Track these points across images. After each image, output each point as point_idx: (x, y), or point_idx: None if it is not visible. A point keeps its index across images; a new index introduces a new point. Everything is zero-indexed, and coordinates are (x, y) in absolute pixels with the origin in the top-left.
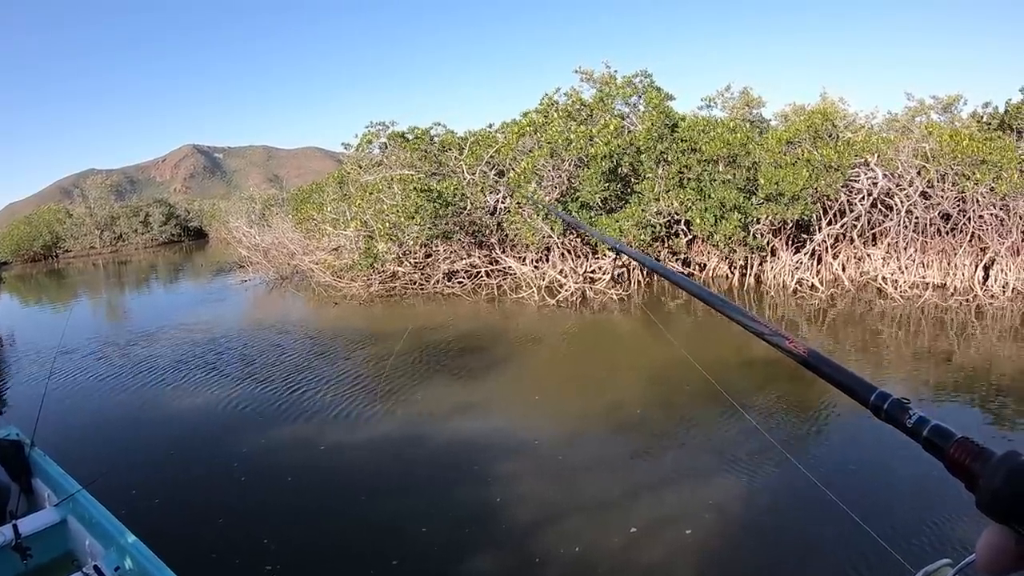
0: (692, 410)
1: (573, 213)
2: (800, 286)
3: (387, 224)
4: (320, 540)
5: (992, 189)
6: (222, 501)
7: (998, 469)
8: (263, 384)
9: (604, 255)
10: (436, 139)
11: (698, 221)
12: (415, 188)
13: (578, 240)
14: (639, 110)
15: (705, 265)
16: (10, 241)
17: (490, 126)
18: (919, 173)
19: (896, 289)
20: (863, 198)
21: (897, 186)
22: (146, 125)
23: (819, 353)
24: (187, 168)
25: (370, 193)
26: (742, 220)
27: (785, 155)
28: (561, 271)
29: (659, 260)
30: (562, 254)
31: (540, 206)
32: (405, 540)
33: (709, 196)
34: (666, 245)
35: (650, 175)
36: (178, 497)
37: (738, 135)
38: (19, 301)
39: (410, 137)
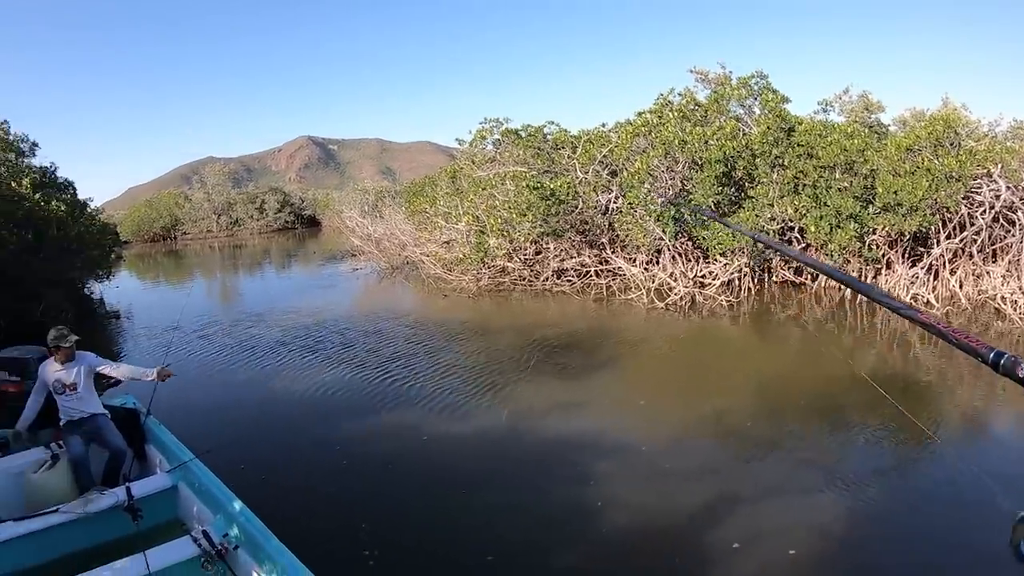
0: (801, 422)
1: (686, 216)
2: (915, 302)
3: (499, 220)
4: (416, 530)
5: None
6: (323, 484)
7: None
8: (368, 370)
9: (716, 260)
10: (549, 137)
11: (812, 229)
12: (527, 185)
13: (689, 243)
14: (754, 112)
15: (817, 275)
16: (131, 222)
17: (603, 125)
18: None
19: (1016, 310)
20: (984, 211)
21: (1021, 199)
22: (263, 117)
23: (945, 322)
24: (302, 158)
25: (482, 188)
26: (858, 230)
27: (904, 163)
28: (671, 274)
29: (771, 268)
30: (672, 257)
31: (658, 206)
32: (501, 536)
33: (824, 204)
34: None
35: (764, 180)
36: (282, 476)
37: (855, 141)
38: (138, 279)
39: (523, 135)
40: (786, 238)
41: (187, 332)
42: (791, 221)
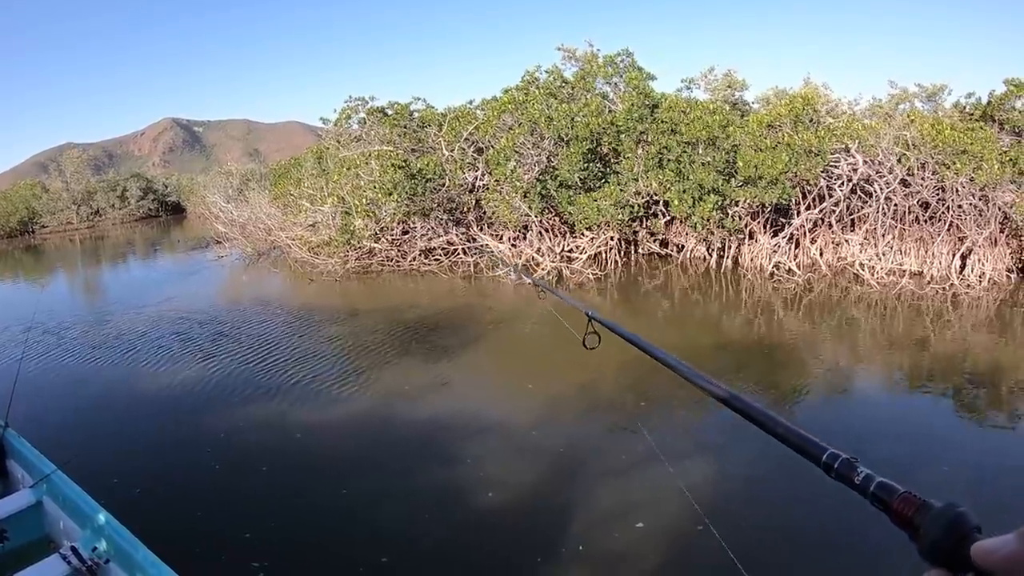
0: (666, 393)
1: (552, 191)
2: (777, 270)
3: (364, 200)
4: (302, 533)
5: (972, 179)
6: (199, 490)
7: (938, 520)
8: (237, 363)
9: (582, 234)
10: (416, 115)
11: (676, 202)
12: (393, 164)
13: (556, 218)
14: (620, 89)
15: (683, 247)
16: None
17: (470, 103)
18: (899, 161)
19: (873, 275)
20: (842, 184)
21: (877, 173)
22: (125, 98)
23: (773, 415)
24: (166, 142)
25: (348, 169)
26: (720, 202)
27: (765, 139)
28: (538, 250)
29: (637, 241)
30: (539, 233)
31: (524, 183)
32: (391, 532)
33: (687, 178)
34: (644, 225)
35: (629, 155)
36: (155, 484)
37: (718, 117)
38: None
39: (389, 112)
40: (651, 211)
41: (44, 331)
42: (656, 195)
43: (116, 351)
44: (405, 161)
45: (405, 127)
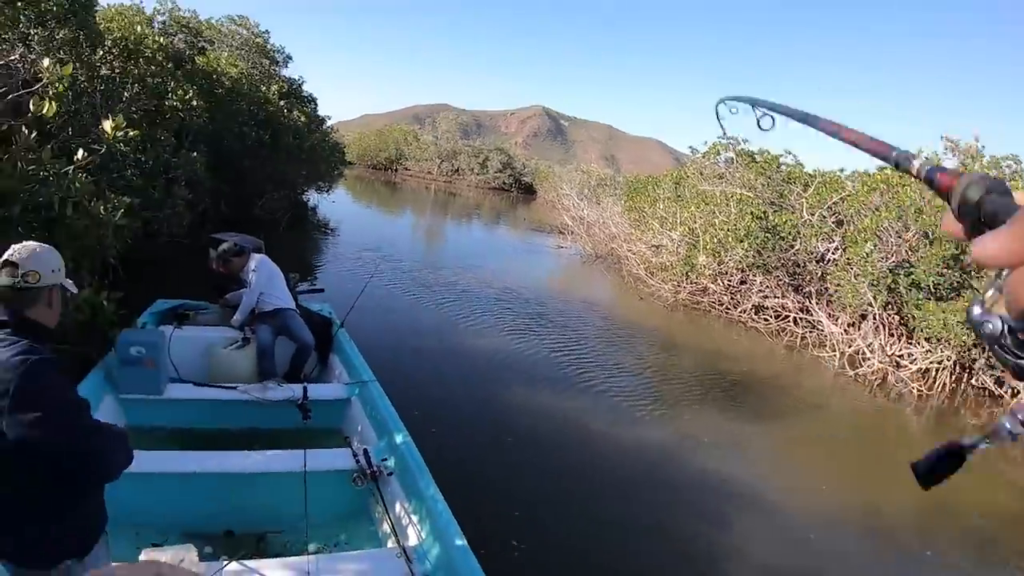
0: (956, 543)
1: (902, 288)
2: None
3: (714, 239)
4: (571, 540)
5: None
6: (483, 454)
7: (964, 183)
8: (550, 351)
9: (919, 343)
10: (783, 168)
11: None
12: (752, 212)
13: (896, 317)
14: None
15: (1018, 392)
16: (359, 146)
17: (841, 170)
18: None
19: None
20: None
21: None
22: (501, 78)
23: (842, 125)
24: (532, 127)
25: (705, 203)
26: None
27: None
28: (869, 344)
29: (973, 370)
30: (876, 327)
31: (877, 270)
32: (638, 559)
33: None
34: (985, 354)
35: (992, 273)
36: (450, 435)
37: None
38: (352, 198)
39: (759, 159)
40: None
41: (394, 265)
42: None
43: (447, 302)
44: (764, 212)
45: (770, 177)
